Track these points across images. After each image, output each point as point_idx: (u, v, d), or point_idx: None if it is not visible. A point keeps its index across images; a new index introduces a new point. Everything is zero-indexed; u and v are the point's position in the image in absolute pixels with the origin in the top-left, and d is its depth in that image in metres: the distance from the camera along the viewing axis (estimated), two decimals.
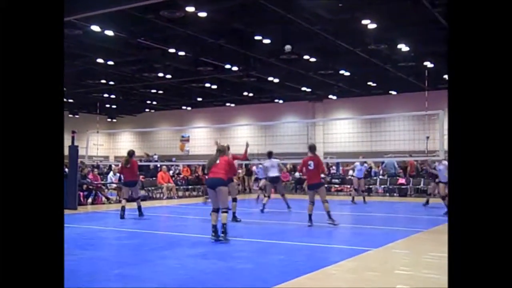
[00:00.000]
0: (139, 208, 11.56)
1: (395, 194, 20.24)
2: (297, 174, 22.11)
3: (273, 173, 13.05)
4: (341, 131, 28.36)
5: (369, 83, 24.64)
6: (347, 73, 21.83)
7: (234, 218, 10.49)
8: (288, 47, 13.98)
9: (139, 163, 21.96)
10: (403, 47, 17.14)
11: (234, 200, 10.73)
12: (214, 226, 7.67)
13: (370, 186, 20.99)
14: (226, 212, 7.85)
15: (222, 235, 7.63)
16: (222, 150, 8.10)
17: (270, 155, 13.44)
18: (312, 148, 10.29)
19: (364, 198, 16.36)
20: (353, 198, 16.27)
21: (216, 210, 7.77)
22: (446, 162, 11.73)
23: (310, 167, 9.83)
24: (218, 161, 7.85)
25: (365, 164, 17.17)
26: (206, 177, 8.35)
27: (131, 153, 11.78)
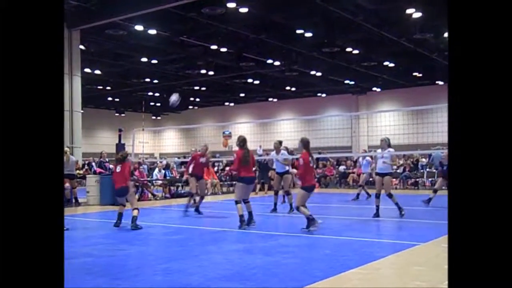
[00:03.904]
0: None
1: (443, 187, 19.64)
2: (341, 168, 21.85)
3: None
4: (385, 124, 27.75)
5: (415, 73, 24.06)
6: (392, 64, 21.39)
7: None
8: None
9: (184, 159, 22.45)
10: None
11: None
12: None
13: (417, 179, 20.50)
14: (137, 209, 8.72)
15: (132, 224, 8.51)
16: (123, 159, 8.82)
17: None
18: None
19: (366, 191, 15.01)
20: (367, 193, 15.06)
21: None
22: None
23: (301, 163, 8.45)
24: (119, 169, 8.72)
25: (367, 158, 16.08)
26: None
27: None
